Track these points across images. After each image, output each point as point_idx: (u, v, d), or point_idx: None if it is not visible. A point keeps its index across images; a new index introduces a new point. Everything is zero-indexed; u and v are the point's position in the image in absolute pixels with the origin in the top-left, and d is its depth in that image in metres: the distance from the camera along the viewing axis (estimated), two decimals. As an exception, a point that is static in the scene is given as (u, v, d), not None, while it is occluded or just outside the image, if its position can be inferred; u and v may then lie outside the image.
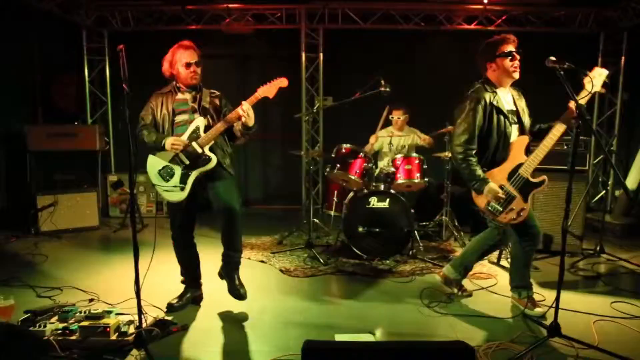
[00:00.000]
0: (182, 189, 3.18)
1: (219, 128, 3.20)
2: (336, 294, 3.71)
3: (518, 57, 3.04)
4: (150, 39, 6.56)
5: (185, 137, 3.19)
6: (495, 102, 3.05)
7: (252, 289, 3.70)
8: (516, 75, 3.05)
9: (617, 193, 6.27)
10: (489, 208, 3.09)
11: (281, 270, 4.18)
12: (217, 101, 3.40)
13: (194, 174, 3.19)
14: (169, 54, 3.30)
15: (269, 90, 3.32)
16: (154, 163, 3.26)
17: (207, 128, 3.23)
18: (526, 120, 3.14)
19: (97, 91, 6.69)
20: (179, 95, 3.30)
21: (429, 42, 6.78)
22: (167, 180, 3.21)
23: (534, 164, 2.98)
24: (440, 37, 6.72)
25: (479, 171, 3.06)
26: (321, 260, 4.35)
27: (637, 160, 5.98)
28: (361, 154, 4.67)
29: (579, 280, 3.99)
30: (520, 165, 3.00)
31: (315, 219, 5.14)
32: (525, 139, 3.06)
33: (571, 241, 4.57)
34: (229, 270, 3.29)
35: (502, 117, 3.04)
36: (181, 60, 3.25)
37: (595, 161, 6.76)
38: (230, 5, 6.20)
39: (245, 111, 3.18)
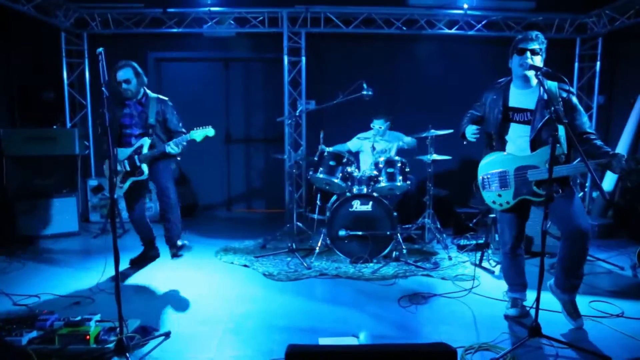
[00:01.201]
0: (121, 187, 4.08)
1: (155, 153, 4.03)
2: (320, 298, 3.70)
3: (533, 55, 2.90)
4: (130, 41, 6.51)
5: (130, 150, 4.02)
6: (497, 97, 3.07)
7: (235, 293, 3.70)
8: (522, 72, 2.92)
9: (594, 195, 6.40)
10: (482, 177, 3.16)
11: (264, 275, 4.15)
12: (160, 111, 4.10)
13: (130, 180, 4.06)
14: (112, 74, 3.95)
15: (196, 134, 4.00)
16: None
17: (154, 145, 4.03)
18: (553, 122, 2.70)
19: (77, 94, 6.57)
20: (125, 109, 4.04)
21: (410, 46, 6.84)
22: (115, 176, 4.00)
23: (543, 175, 2.88)
24: (422, 42, 6.79)
25: (466, 123, 3.31)
26: (304, 264, 4.34)
27: (613, 162, 6.11)
28: (344, 157, 4.68)
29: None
30: (533, 168, 2.95)
31: (298, 223, 5.13)
32: (557, 149, 2.80)
33: (551, 242, 4.64)
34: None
35: (497, 112, 3.05)
36: (116, 80, 3.94)
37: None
38: (212, 9, 6.16)
39: (170, 149, 4.01)
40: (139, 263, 4.31)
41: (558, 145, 2.81)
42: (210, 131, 4.00)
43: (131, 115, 4.04)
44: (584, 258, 3.00)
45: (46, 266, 4.38)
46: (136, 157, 4.00)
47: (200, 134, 3.99)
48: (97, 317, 2.88)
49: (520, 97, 3.02)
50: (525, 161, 2.99)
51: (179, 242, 4.33)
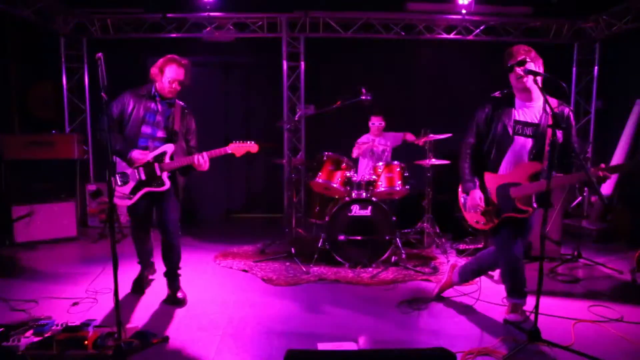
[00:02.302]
0: (130, 198, 3.44)
1: (182, 163, 3.42)
2: (319, 303, 3.68)
3: (519, 70, 2.90)
4: (130, 47, 6.52)
5: (151, 155, 3.40)
6: (499, 111, 3.04)
7: (234, 298, 3.69)
8: (522, 87, 2.93)
9: (592, 199, 6.41)
10: (462, 199, 3.23)
11: (263, 280, 4.15)
12: (186, 122, 3.57)
13: (144, 190, 3.44)
14: (162, 61, 3.42)
15: (238, 149, 3.51)
16: (117, 165, 3.45)
17: (173, 154, 3.44)
18: (550, 140, 2.79)
19: (76, 99, 6.58)
20: (152, 105, 3.44)
21: (409, 52, 6.87)
22: (120, 186, 3.45)
23: (528, 191, 2.92)
24: (421, 47, 6.81)
25: (467, 169, 3.14)
26: (303, 269, 4.33)
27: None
28: (343, 162, 4.68)
29: (557, 284, 4.06)
30: (514, 185, 2.97)
31: (297, 227, 5.12)
32: (536, 165, 2.94)
33: (549, 247, 4.66)
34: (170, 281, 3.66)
35: (502, 126, 3.01)
36: (168, 75, 3.37)
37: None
38: (212, 14, 6.18)
39: (199, 162, 3.38)
40: (140, 289, 3.76)
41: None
42: (253, 147, 3.52)
43: (155, 113, 3.44)
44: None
45: (44, 271, 4.36)
46: (156, 164, 3.41)
47: (241, 149, 3.50)
48: (96, 322, 2.87)
49: (524, 111, 3.02)
50: (505, 178, 3.02)
51: (179, 295, 3.59)
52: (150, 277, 4.00)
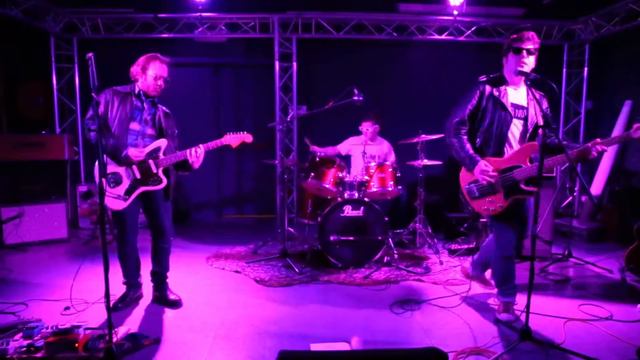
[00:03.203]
0: (125, 199, 3.31)
1: (178, 157, 3.33)
2: (311, 303, 3.68)
3: (528, 54, 2.98)
4: (121, 47, 6.48)
5: (146, 152, 3.31)
6: (497, 94, 3.08)
7: (226, 299, 3.67)
8: (522, 70, 2.96)
9: (583, 199, 6.47)
10: (467, 187, 3.19)
11: (256, 280, 4.14)
12: (170, 124, 3.49)
13: (140, 189, 3.33)
14: (144, 60, 3.36)
15: (233, 140, 3.49)
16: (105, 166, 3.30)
17: (168, 150, 3.37)
18: (535, 120, 3.08)
19: (66, 99, 6.53)
20: (138, 103, 3.38)
21: (401, 52, 6.90)
22: (112, 187, 3.31)
23: (530, 172, 2.97)
24: (412, 47, 6.84)
25: (469, 147, 3.13)
26: (296, 270, 4.33)
27: (601, 166, 6.19)
28: (335, 163, 4.68)
29: (548, 284, 4.08)
30: (517, 167, 3.02)
31: (289, 228, 5.11)
32: (534, 145, 3.02)
33: (540, 246, 4.69)
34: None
35: (500, 108, 3.06)
36: (154, 72, 3.32)
37: (563, 168, 6.96)
38: (203, 14, 6.16)
39: (196, 155, 3.32)
40: (125, 306, 3.47)
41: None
42: (248, 137, 3.51)
43: (142, 110, 3.37)
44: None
45: (34, 273, 4.32)
46: (151, 161, 3.31)
47: (236, 140, 3.48)
48: (86, 324, 2.84)
49: (516, 94, 3.10)
50: (507, 162, 3.05)
51: (172, 296, 3.56)
52: (136, 297, 3.62)
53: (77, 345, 2.62)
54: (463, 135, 3.16)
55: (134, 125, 3.34)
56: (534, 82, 2.94)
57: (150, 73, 3.32)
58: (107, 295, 2.56)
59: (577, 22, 6.40)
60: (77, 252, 5.15)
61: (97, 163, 3.28)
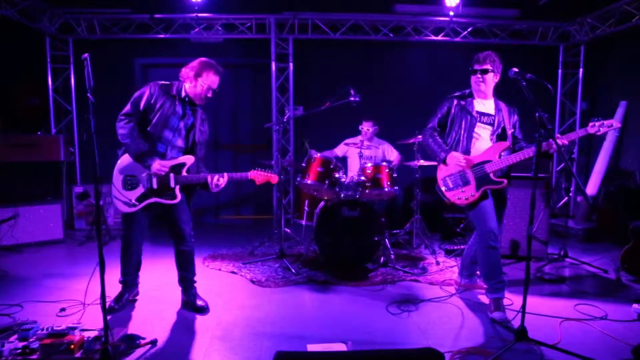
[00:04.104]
0: (134, 206, 3.25)
1: (199, 180, 3.26)
2: (308, 304, 3.68)
3: (482, 74, 3.42)
4: (117, 47, 6.46)
5: (170, 165, 3.22)
6: (463, 103, 3.51)
7: (222, 300, 3.67)
8: (479, 89, 3.47)
9: (578, 199, 6.49)
10: (442, 180, 3.49)
11: (252, 281, 4.13)
12: (203, 131, 3.42)
13: (151, 200, 3.26)
14: (200, 65, 3.23)
15: (258, 176, 3.41)
16: (126, 166, 3.26)
17: (192, 168, 3.29)
18: (504, 130, 3.50)
19: (62, 100, 6.50)
20: (179, 108, 3.26)
21: (397, 53, 6.90)
22: (126, 189, 3.26)
23: (499, 165, 3.33)
24: (409, 48, 6.85)
25: (439, 143, 3.54)
26: (293, 270, 4.32)
27: (596, 167, 6.21)
28: (332, 163, 4.68)
29: (544, 284, 4.10)
30: (487, 162, 3.36)
31: (286, 229, 5.11)
32: (505, 144, 3.43)
33: (536, 246, 4.71)
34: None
35: (467, 115, 3.47)
36: (206, 82, 3.22)
37: (558, 168, 6.99)
38: (200, 15, 6.15)
39: (217, 182, 3.26)
40: (121, 308, 3.43)
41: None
42: (274, 178, 3.43)
43: (180, 118, 3.26)
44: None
45: (29, 274, 4.29)
46: (172, 175, 3.22)
47: (261, 177, 3.42)
48: (82, 326, 2.83)
49: (482, 106, 3.51)
50: (478, 158, 3.40)
51: (200, 302, 3.47)
52: (131, 298, 3.60)
53: (72, 347, 2.61)
54: (434, 136, 3.60)
55: (167, 133, 3.24)
56: (519, 92, 2.97)
57: (202, 82, 3.21)
58: (102, 296, 2.55)
59: (573, 23, 6.43)
60: (73, 253, 5.14)
61: (123, 156, 3.24)
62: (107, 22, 6.27)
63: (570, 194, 6.65)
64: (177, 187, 3.25)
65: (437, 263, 4.65)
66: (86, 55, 2.58)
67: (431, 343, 2.91)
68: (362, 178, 4.68)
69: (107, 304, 3.27)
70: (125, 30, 6.29)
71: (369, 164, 4.79)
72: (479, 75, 3.43)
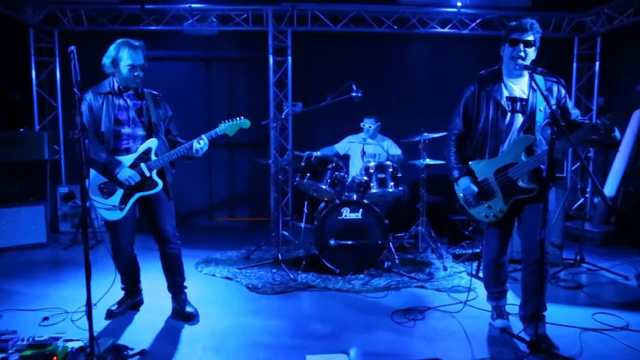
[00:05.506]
0: (122, 209, 3.24)
1: (173, 155, 3.24)
2: (307, 312, 3.66)
3: (526, 47, 2.87)
4: (105, 39, 6.36)
5: (133, 157, 3.21)
6: (489, 89, 3.00)
7: (216, 308, 3.63)
8: (515, 68, 2.90)
9: (596, 200, 6.45)
10: (462, 196, 3.14)
11: (248, 287, 4.10)
12: (162, 110, 3.40)
13: (135, 196, 3.25)
14: (114, 51, 3.23)
15: (229, 128, 3.39)
16: (96, 176, 3.23)
17: (159, 150, 3.27)
18: (552, 114, 2.72)
19: (46, 95, 6.47)
20: (120, 101, 3.26)
21: (402, 46, 6.87)
22: (106, 198, 3.23)
23: (528, 168, 2.86)
24: (414, 41, 6.81)
25: (454, 159, 3.14)
26: (291, 276, 4.29)
27: (614, 166, 6.16)
28: (332, 162, 4.65)
29: (560, 291, 4.06)
30: (512, 165, 2.91)
31: (284, 232, 5.07)
32: (530, 138, 2.90)
33: (551, 251, 4.66)
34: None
35: (493, 104, 2.98)
36: (127, 62, 3.18)
37: (573, 168, 6.95)
38: (193, 5, 6.12)
39: (199, 147, 3.24)
40: (120, 312, 3.48)
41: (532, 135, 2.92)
42: (245, 123, 3.41)
43: (127, 109, 3.26)
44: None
45: (10, 280, 4.25)
46: (143, 165, 3.22)
47: (233, 127, 3.38)
48: (65, 336, 2.79)
49: (515, 87, 3.01)
50: (501, 162, 2.96)
51: (189, 309, 3.46)
52: (135, 301, 3.63)
53: (55, 358, 2.57)
54: (452, 144, 3.17)
55: (124, 129, 3.24)
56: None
57: (123, 64, 3.17)
58: (88, 303, 2.52)
59: (588, 14, 6.39)
60: (57, 257, 5.10)
61: (91, 176, 3.19)
62: (94, 13, 6.23)
63: (587, 195, 6.61)
64: (154, 173, 3.25)
65: (445, 268, 4.61)
66: (73, 47, 2.55)
67: (438, 354, 2.87)
68: (365, 178, 4.64)
69: (108, 308, 3.43)
70: (114, 21, 6.25)
71: (372, 163, 4.75)
72: (522, 48, 2.87)
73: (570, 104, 3.01)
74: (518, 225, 3.11)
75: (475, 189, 3.04)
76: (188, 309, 3.43)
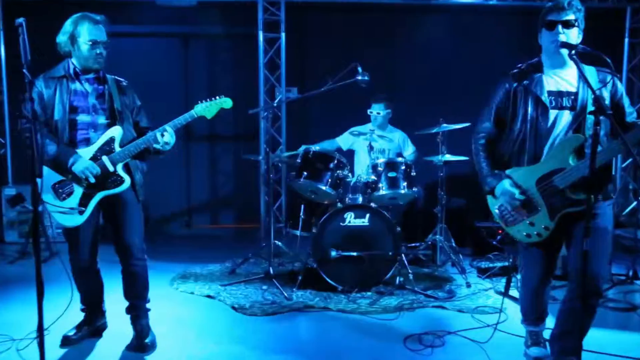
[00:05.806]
0: (81, 212, 3.17)
1: (139, 146, 3.22)
2: (304, 337, 3.69)
3: (566, 28, 2.80)
4: (62, 12, 6.37)
5: (94, 148, 3.18)
6: (527, 82, 2.95)
7: (195, 332, 3.65)
8: (556, 54, 2.85)
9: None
10: (496, 211, 3.06)
11: (234, 308, 4.12)
12: (128, 98, 3.38)
13: (98, 196, 3.20)
14: (70, 24, 3.22)
15: (207, 109, 3.39)
16: (49, 174, 3.18)
17: (124, 140, 3.24)
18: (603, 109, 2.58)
19: (-11, 78, 6.48)
20: (77, 85, 3.25)
21: (415, 20, 6.88)
22: (63, 199, 3.19)
23: (578, 174, 2.74)
24: (430, 13, 6.82)
25: (486, 166, 3.05)
26: (285, 294, 4.30)
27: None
28: (334, 158, 4.65)
29: (608, 314, 4.05)
30: (559, 171, 2.82)
31: (277, 241, 5.08)
32: (579, 138, 2.80)
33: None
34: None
35: (534, 100, 2.91)
36: (85, 37, 3.17)
37: (624, 165, 6.95)
38: (168, -29, 6.13)
39: (163, 139, 3.22)
40: (79, 339, 3.44)
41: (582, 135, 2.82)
42: (227, 102, 3.43)
43: (86, 95, 3.23)
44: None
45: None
46: (105, 158, 3.18)
47: (212, 108, 3.39)
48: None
49: (558, 79, 2.96)
50: (544, 168, 2.90)
51: (147, 340, 3.37)
52: (98, 325, 3.60)
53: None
54: (480, 146, 3.11)
55: (82, 117, 3.21)
56: (592, 57, 2.86)
57: (82, 40, 3.15)
58: (39, 329, 2.51)
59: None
60: (1, 273, 5.09)
61: (43, 176, 3.11)
62: (48, -20, 6.24)
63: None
64: (118, 167, 3.21)
65: (468, 285, 4.62)
66: (21, 20, 2.53)
67: (461, 388, 2.88)
68: (373, 177, 4.65)
69: (65, 333, 3.38)
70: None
71: (381, 160, 4.75)
72: (560, 30, 2.79)
73: (627, 101, 2.94)
74: (567, 247, 3.02)
75: (516, 191, 2.93)
76: (147, 339, 3.35)
